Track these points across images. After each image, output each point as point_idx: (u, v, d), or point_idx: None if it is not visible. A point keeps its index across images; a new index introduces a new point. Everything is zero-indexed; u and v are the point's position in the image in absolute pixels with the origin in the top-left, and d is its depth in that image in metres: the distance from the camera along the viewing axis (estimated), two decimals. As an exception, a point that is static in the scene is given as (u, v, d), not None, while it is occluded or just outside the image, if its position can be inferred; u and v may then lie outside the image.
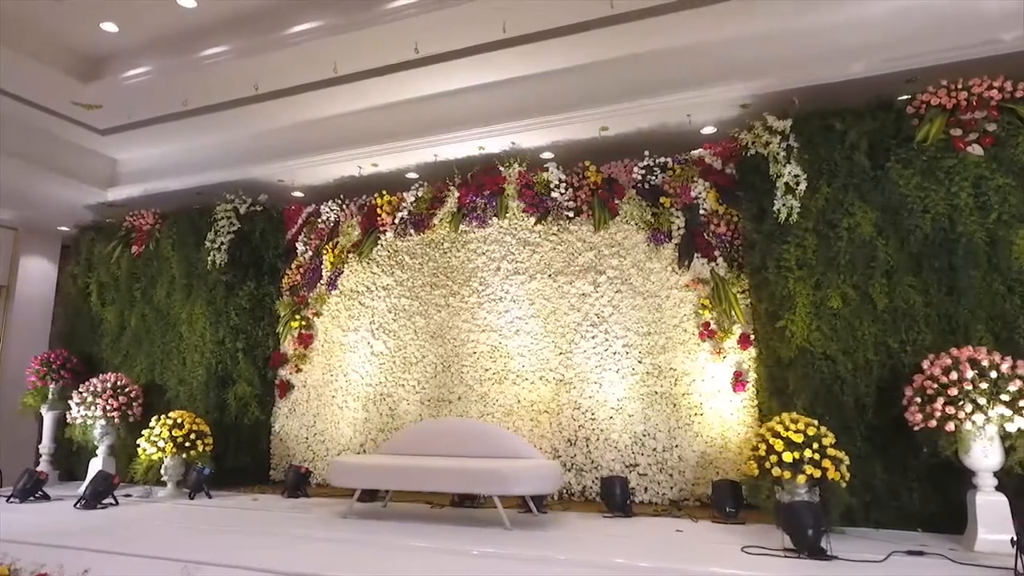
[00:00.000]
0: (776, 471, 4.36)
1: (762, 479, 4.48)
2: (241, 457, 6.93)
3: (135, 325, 7.56)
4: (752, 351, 5.56)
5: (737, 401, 5.57)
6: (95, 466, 6.72)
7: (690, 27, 5.31)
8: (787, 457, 4.32)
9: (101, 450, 6.74)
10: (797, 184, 5.05)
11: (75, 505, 5.68)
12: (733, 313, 5.62)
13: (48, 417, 7.30)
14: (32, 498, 6.05)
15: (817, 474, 4.25)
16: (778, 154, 5.18)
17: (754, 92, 5.45)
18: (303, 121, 6.96)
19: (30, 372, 7.28)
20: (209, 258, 7.15)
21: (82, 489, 5.93)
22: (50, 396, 7.27)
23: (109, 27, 5.95)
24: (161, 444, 6.21)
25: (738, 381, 5.55)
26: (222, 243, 7.17)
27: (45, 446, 7.26)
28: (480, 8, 5.26)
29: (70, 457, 7.42)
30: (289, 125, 7.03)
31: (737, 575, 3.53)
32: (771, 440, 4.44)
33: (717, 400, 5.63)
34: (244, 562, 3.70)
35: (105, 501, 5.71)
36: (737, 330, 5.64)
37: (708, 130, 6.10)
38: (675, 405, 5.74)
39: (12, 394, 8.27)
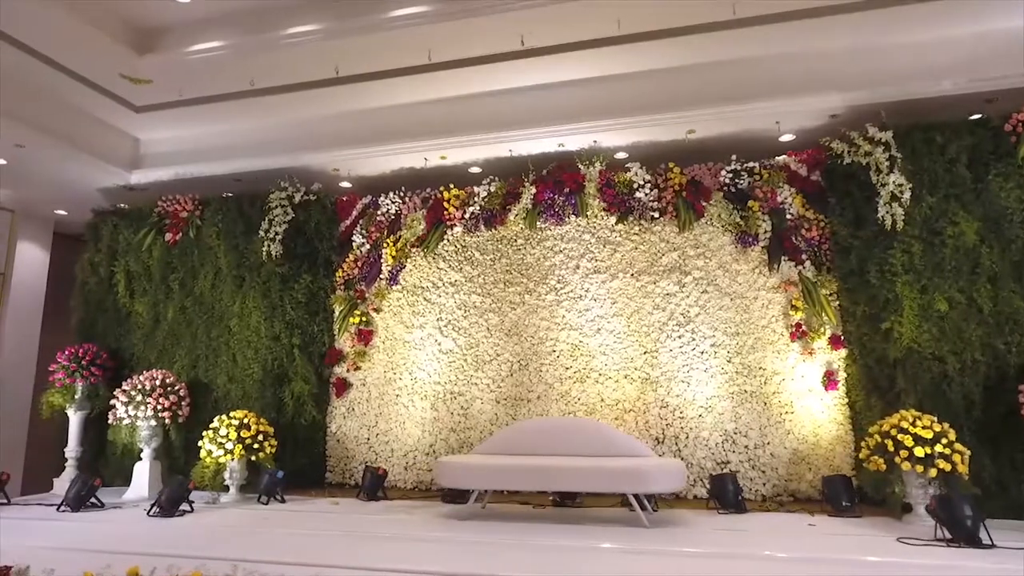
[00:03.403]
0: (906, 466, 4.57)
1: (889, 473, 4.68)
2: (298, 459, 6.55)
3: (172, 318, 7.02)
4: (843, 351, 5.78)
5: (828, 399, 5.78)
6: (141, 470, 6.23)
7: (794, 36, 5.49)
8: (918, 452, 4.54)
9: (146, 453, 6.24)
10: (902, 193, 5.31)
11: (148, 512, 5.23)
12: (824, 314, 5.83)
13: (75, 418, 6.64)
14: (85, 506, 5.52)
15: (948, 468, 4.49)
16: (881, 164, 5.42)
17: (848, 103, 5.69)
18: (368, 108, 6.70)
19: (56, 368, 6.59)
20: (263, 249, 6.74)
21: (156, 495, 5.45)
22: (78, 395, 6.62)
23: (182, -3, 5.55)
24: (229, 446, 5.79)
25: (830, 380, 5.76)
26: (276, 233, 6.78)
27: (72, 449, 6.60)
28: (598, 3, 5.25)
29: (97, 460, 6.80)
30: (350, 112, 6.75)
31: (917, 563, 3.66)
32: (899, 436, 4.66)
33: (808, 399, 5.81)
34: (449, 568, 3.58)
35: (181, 508, 5.30)
36: (828, 331, 5.85)
37: (787, 137, 6.31)
38: (766, 403, 5.88)
39: (9, 387, 7.57)
